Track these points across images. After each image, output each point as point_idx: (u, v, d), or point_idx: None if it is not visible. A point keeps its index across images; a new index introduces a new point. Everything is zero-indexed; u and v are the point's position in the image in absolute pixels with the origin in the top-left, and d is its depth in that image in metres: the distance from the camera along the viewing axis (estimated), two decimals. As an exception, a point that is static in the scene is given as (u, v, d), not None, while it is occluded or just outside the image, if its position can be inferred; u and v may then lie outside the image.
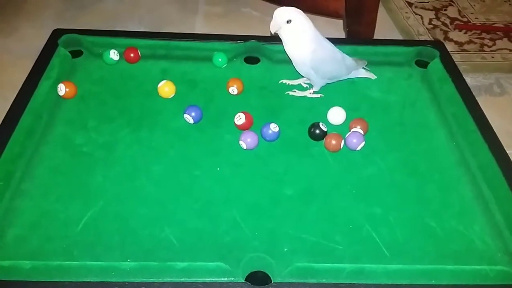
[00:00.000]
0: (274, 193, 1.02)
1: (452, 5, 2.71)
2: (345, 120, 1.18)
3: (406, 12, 2.62)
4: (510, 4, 2.73)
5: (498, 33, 2.48)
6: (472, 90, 1.28)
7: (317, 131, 1.13)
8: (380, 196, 1.03)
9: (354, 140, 1.10)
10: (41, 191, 1.00)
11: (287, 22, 1.16)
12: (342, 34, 2.18)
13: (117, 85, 1.27)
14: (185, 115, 1.16)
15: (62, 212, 0.96)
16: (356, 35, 2.00)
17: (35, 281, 0.84)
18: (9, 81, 1.46)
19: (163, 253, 0.90)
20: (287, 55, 1.22)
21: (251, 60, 1.36)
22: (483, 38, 2.44)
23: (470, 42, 2.41)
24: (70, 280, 0.84)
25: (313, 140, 1.14)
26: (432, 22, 2.55)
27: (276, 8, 1.19)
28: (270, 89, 1.29)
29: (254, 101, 1.24)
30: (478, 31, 2.49)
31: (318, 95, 1.26)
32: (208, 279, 0.86)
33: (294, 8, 1.17)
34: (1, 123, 1.10)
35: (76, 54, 1.35)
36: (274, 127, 1.11)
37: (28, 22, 2.41)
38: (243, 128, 1.14)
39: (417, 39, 2.37)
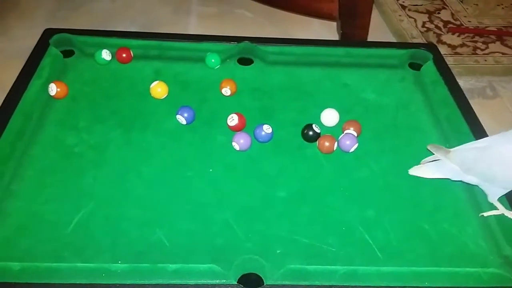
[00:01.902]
0: (267, 194, 1.02)
1: (445, 8, 2.72)
2: (339, 122, 1.18)
3: (400, 15, 2.63)
4: (503, 8, 2.75)
5: (491, 36, 2.49)
6: (465, 93, 1.28)
7: (310, 133, 1.12)
8: (373, 198, 1.03)
9: (347, 142, 1.10)
10: (31, 192, 0.98)
11: None
12: (335, 36, 2.19)
13: (109, 85, 1.26)
14: (178, 116, 1.15)
15: (52, 214, 0.95)
16: (350, 37, 2.00)
17: (24, 283, 0.83)
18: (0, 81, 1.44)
19: (155, 255, 0.89)
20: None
21: (244, 61, 1.36)
22: (476, 41, 2.45)
23: (463, 45, 2.42)
24: (59, 282, 0.83)
25: (306, 141, 1.13)
26: (426, 25, 2.56)
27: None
28: (263, 90, 1.28)
29: (247, 102, 1.24)
30: (471, 34, 2.50)
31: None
32: (200, 281, 0.85)
33: None
34: (-9, 123, 1.09)
35: (67, 53, 1.34)
36: (267, 129, 1.11)
37: (19, 22, 2.40)
38: (236, 129, 1.13)
39: (411, 42, 2.37)
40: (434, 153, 1.01)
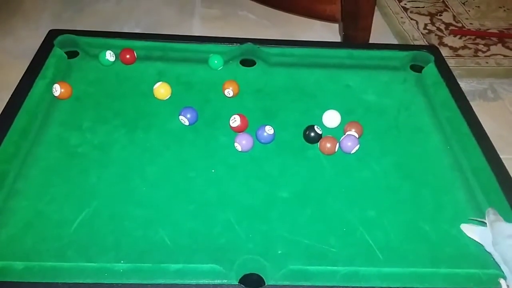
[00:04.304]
0: (268, 195, 1.02)
1: (447, 11, 2.72)
2: (340, 123, 1.19)
3: (402, 17, 2.63)
4: (504, 10, 2.75)
5: (493, 38, 2.49)
6: (466, 95, 1.29)
7: (312, 134, 1.13)
8: (374, 199, 1.03)
9: (349, 143, 1.11)
10: (35, 192, 0.99)
11: None
12: (338, 38, 2.19)
13: (112, 86, 1.27)
14: (181, 117, 1.16)
15: (56, 213, 0.96)
16: (352, 39, 2.00)
17: (28, 282, 0.84)
18: (5, 81, 1.45)
19: (157, 254, 0.90)
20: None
21: (247, 62, 1.37)
22: (477, 44, 2.45)
23: (464, 47, 2.42)
24: (63, 281, 0.84)
25: (308, 143, 1.14)
26: (427, 27, 2.56)
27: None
28: (265, 92, 1.29)
29: (250, 104, 1.24)
30: (473, 37, 2.50)
31: None
32: (201, 281, 0.85)
33: None
34: (-4, 123, 1.10)
35: (72, 54, 1.35)
36: (269, 130, 1.12)
37: (24, 23, 2.41)
38: (238, 130, 1.14)
39: (412, 43, 2.38)
40: (488, 216, 0.95)
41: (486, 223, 0.94)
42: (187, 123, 1.16)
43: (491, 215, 0.94)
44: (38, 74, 1.23)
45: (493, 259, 0.91)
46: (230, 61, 1.36)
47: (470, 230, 0.97)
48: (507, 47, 2.43)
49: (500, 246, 0.89)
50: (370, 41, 2.03)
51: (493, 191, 1.03)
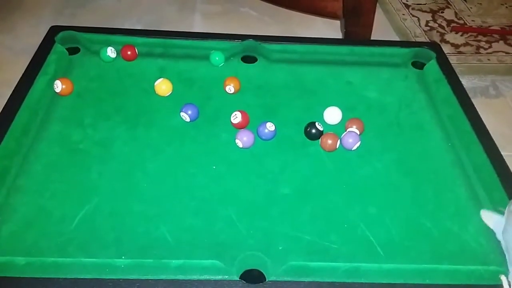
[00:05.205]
0: (269, 192, 1.03)
1: (449, 8, 2.72)
2: (341, 120, 1.19)
3: (403, 14, 2.63)
4: (506, 7, 2.74)
5: (494, 35, 2.49)
6: (467, 92, 1.29)
7: (313, 131, 1.13)
8: (375, 196, 1.03)
9: (350, 140, 1.11)
10: (37, 188, 0.99)
11: None
12: (339, 35, 2.19)
13: (114, 82, 1.27)
14: (182, 113, 1.16)
15: (57, 209, 0.96)
16: (354, 36, 2.00)
17: (29, 278, 0.84)
18: (6, 78, 1.45)
19: (158, 250, 0.90)
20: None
21: (248, 59, 1.37)
22: (479, 41, 2.45)
23: (466, 44, 2.42)
24: (64, 277, 0.84)
25: (309, 139, 1.14)
26: (429, 24, 2.56)
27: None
28: (266, 88, 1.29)
29: (251, 100, 1.24)
30: (475, 34, 2.50)
31: None
32: (202, 277, 0.86)
33: None
34: (-3, 119, 1.10)
35: (73, 51, 1.34)
36: (270, 126, 1.12)
37: (26, 19, 2.41)
38: (239, 126, 1.14)
39: (414, 40, 2.38)
40: (508, 206, 0.93)
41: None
42: (188, 119, 1.16)
43: (511, 206, 0.93)
44: (39, 71, 1.23)
45: (501, 247, 0.91)
46: (231, 58, 1.36)
47: (488, 216, 0.97)
48: (509, 44, 2.43)
49: (507, 234, 0.89)
50: (372, 38, 2.03)
51: (494, 188, 1.03)
